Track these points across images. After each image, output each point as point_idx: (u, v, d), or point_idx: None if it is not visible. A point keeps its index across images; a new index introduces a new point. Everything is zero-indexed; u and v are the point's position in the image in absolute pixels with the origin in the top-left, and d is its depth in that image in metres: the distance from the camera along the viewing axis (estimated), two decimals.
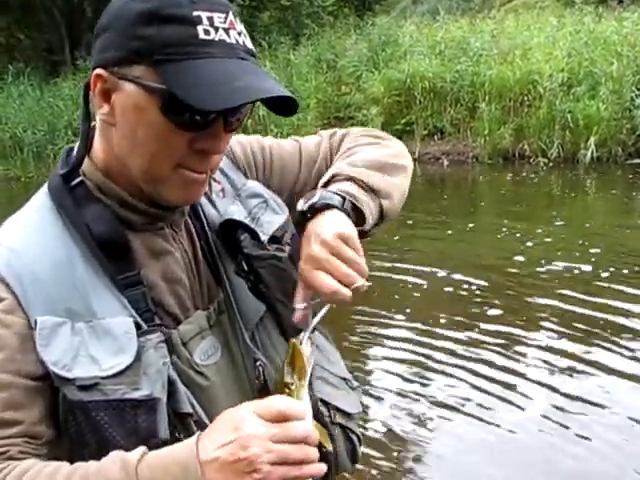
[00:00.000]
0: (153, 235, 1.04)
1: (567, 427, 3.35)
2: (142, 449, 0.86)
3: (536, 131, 10.74)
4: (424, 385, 3.91)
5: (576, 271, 5.57)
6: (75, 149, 1.06)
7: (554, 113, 10.54)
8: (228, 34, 0.92)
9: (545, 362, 4.04)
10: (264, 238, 1.10)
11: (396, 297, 5.42)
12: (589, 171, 9.99)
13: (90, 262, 0.97)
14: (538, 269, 5.71)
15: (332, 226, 1.02)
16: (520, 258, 6.01)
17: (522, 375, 3.91)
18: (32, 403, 0.91)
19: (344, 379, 1.23)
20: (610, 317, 4.55)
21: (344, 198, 1.07)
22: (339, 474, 1.18)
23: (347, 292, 0.99)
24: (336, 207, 1.06)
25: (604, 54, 10.90)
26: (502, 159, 10.98)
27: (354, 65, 13.33)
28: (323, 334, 1.24)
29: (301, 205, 1.09)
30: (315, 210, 1.06)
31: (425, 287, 5.61)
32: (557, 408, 3.53)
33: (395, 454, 3.29)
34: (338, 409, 1.17)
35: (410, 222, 7.26)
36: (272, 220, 1.14)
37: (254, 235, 1.09)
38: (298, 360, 0.94)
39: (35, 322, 0.91)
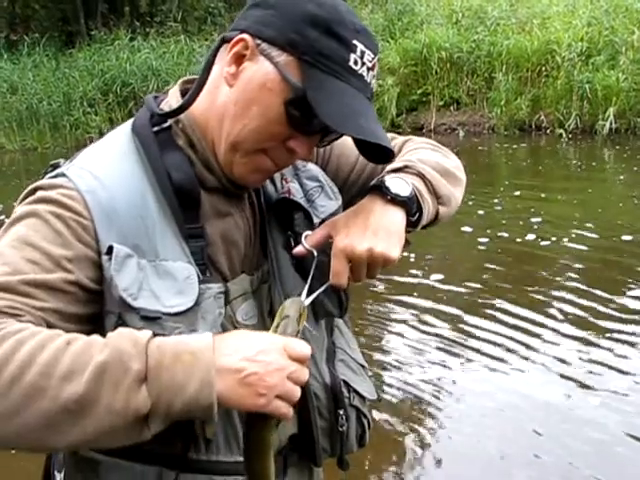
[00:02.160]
0: (221, 197, 1.07)
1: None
2: (149, 332, 0.87)
3: (553, 102, 10.63)
4: (440, 350, 3.95)
5: (590, 242, 5.56)
6: (162, 97, 1.10)
7: (572, 83, 10.42)
8: (368, 73, 1.00)
9: (562, 336, 4.06)
10: (316, 221, 1.15)
11: (410, 262, 5.43)
12: (607, 142, 9.90)
13: (162, 206, 1.00)
14: (552, 239, 5.70)
15: (389, 238, 1.05)
16: (534, 228, 6.01)
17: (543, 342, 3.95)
18: (59, 294, 0.91)
19: (362, 366, 1.26)
20: (623, 289, 4.56)
21: (415, 195, 1.11)
22: (347, 454, 1.22)
23: (345, 285, 1.07)
24: (407, 205, 1.09)
25: (625, 22, 10.73)
26: (518, 130, 10.90)
27: None
28: (345, 322, 1.27)
29: (376, 180, 1.12)
30: (387, 193, 1.08)
31: (437, 255, 5.62)
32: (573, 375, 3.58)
33: (413, 419, 3.33)
34: (357, 392, 1.20)
35: None
36: (326, 205, 1.18)
37: (307, 215, 1.14)
38: (303, 318, 0.99)
39: (110, 248, 0.93)
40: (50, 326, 0.88)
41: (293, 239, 1.13)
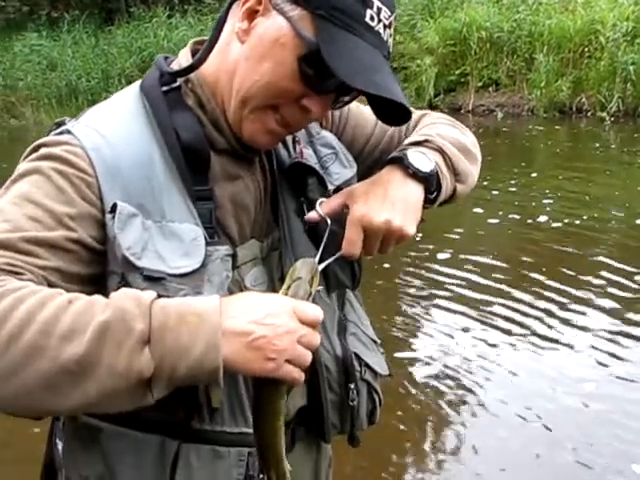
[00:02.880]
0: (230, 159, 1.05)
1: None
2: (154, 293, 0.83)
3: (595, 84, 10.37)
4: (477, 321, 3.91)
5: (630, 227, 5.43)
6: (172, 58, 1.07)
7: (616, 65, 10.14)
8: (384, 30, 0.97)
9: (600, 312, 4.02)
10: (330, 187, 1.12)
11: (446, 240, 5.40)
12: None
13: (169, 167, 0.97)
14: (589, 222, 5.61)
15: (407, 213, 1.03)
16: (571, 212, 5.90)
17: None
18: (60, 253, 0.88)
19: (374, 342, 1.24)
20: None
21: (436, 172, 1.08)
22: (357, 431, 1.19)
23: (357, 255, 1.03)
24: (427, 182, 1.06)
25: None
26: (558, 112, 10.66)
27: (409, 14, 13.01)
28: (356, 297, 1.25)
29: (397, 152, 1.09)
30: (409, 167, 1.05)
31: (474, 235, 5.56)
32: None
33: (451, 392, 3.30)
34: (368, 366, 1.18)
35: None
36: (340, 172, 1.16)
37: (321, 182, 1.11)
38: (315, 281, 0.95)
39: (114, 206, 0.91)
40: (51, 285, 0.85)
41: (306, 205, 1.10)
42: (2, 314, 0.75)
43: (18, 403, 0.78)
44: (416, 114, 1.28)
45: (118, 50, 14.92)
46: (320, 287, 0.99)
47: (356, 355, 1.15)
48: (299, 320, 0.85)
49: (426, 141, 1.12)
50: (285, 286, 0.92)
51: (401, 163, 1.06)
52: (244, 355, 0.82)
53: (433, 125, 1.21)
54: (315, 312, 0.87)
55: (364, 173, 1.17)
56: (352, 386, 1.14)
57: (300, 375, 0.87)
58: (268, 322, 0.83)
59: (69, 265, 0.89)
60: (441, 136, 1.15)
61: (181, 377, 0.80)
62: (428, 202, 1.08)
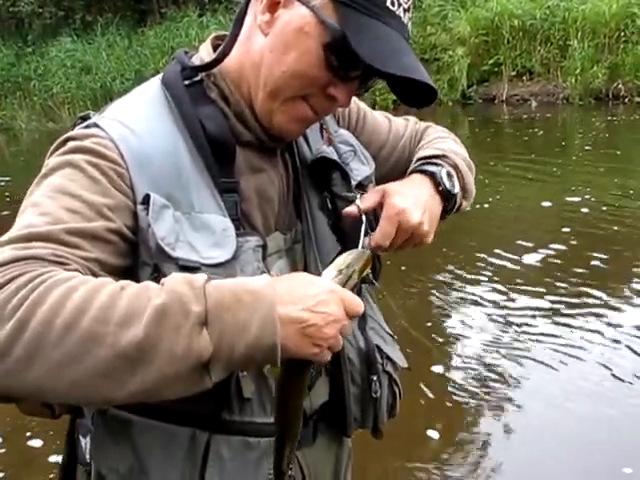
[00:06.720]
0: (254, 152, 1.05)
1: None
2: (205, 275, 0.81)
3: (632, 69, 10.19)
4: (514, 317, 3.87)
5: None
6: (192, 53, 1.08)
7: None
8: (404, 14, 0.98)
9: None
10: (354, 182, 1.14)
11: (483, 232, 5.41)
12: None
13: (196, 159, 0.98)
14: (626, 212, 5.52)
15: (431, 223, 1.10)
16: (611, 201, 5.82)
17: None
18: (101, 244, 0.88)
19: (391, 335, 1.25)
20: None
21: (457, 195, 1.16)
22: (379, 423, 1.20)
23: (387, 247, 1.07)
24: (449, 202, 1.15)
25: None
26: (594, 100, 10.49)
27: (440, 4, 12.92)
28: (370, 293, 1.25)
29: (430, 166, 1.15)
30: (440, 184, 1.13)
31: (510, 225, 5.51)
32: None
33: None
34: (389, 359, 1.19)
35: (497, 166, 7.09)
36: (359, 169, 1.17)
37: (344, 176, 1.14)
38: (363, 273, 0.96)
39: (147, 196, 0.91)
40: (95, 276, 0.83)
41: (329, 200, 1.11)
42: (56, 304, 0.73)
43: (73, 393, 0.75)
44: (420, 125, 1.34)
45: (151, 51, 15.12)
46: None
47: (377, 347, 1.17)
48: (344, 310, 0.86)
49: (444, 156, 1.18)
50: (335, 269, 0.92)
51: (433, 177, 1.13)
52: (294, 340, 0.82)
53: (442, 140, 1.26)
54: (361, 306, 0.89)
55: (382, 179, 1.19)
56: (374, 378, 1.15)
57: (329, 356, 0.88)
58: (320, 310, 0.83)
59: (108, 256, 0.89)
60: (455, 153, 1.21)
61: (240, 357, 0.79)
62: (440, 217, 1.16)
